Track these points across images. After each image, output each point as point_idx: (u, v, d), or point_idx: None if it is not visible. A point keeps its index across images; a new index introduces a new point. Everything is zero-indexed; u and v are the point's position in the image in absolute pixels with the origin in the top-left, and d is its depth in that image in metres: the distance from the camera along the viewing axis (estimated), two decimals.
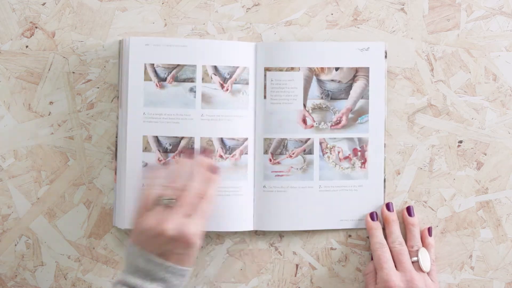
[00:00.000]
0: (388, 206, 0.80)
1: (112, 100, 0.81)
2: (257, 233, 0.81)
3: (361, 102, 0.79)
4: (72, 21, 0.81)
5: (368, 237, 0.80)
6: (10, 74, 0.81)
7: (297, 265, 0.81)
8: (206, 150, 0.78)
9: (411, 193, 0.82)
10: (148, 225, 0.68)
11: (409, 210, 0.80)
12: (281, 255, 0.81)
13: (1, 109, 0.81)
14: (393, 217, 0.80)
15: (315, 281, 0.81)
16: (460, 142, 0.82)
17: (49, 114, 0.81)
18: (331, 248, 0.81)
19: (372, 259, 0.79)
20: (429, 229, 0.80)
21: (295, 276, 0.81)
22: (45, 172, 0.81)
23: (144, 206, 0.70)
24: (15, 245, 0.80)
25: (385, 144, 0.80)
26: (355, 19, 0.82)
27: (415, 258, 0.77)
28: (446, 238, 0.82)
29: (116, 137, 0.80)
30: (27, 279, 0.80)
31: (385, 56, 0.80)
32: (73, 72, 0.81)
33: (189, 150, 0.78)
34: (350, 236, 0.80)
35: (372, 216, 0.80)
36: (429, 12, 0.82)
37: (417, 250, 0.78)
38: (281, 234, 0.81)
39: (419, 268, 0.77)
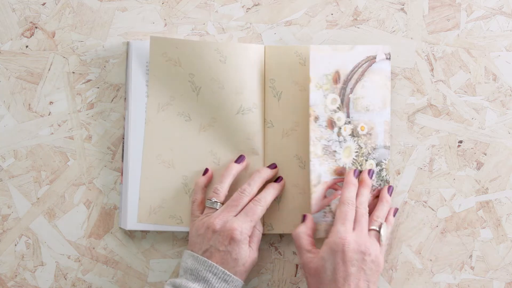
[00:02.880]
0: (369, 172, 0.78)
1: (112, 100, 0.81)
2: None
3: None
4: (72, 21, 0.81)
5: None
6: (10, 74, 0.81)
7: (297, 265, 0.81)
8: (272, 165, 0.79)
9: (411, 193, 0.81)
10: (197, 224, 0.74)
11: (390, 189, 0.79)
12: (281, 255, 0.81)
13: (1, 109, 0.81)
14: (370, 182, 0.77)
15: None
16: (460, 142, 0.82)
17: (49, 114, 0.81)
18: None
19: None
20: (395, 210, 0.79)
21: (295, 276, 0.81)
22: (45, 172, 0.81)
23: (193, 213, 0.77)
24: (15, 245, 0.81)
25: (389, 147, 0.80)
26: (355, 19, 0.82)
27: (375, 227, 0.75)
28: (446, 238, 0.81)
29: (123, 138, 0.80)
30: (27, 279, 0.80)
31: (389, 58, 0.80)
32: (73, 72, 0.81)
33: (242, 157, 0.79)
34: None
35: (355, 172, 0.77)
36: (429, 12, 0.82)
37: (381, 223, 0.75)
38: (281, 234, 0.81)
39: (376, 238, 0.74)
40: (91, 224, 0.81)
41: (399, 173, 0.81)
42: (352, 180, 0.76)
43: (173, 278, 0.72)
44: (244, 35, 0.81)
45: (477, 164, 0.82)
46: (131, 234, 0.81)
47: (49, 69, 0.81)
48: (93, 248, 0.81)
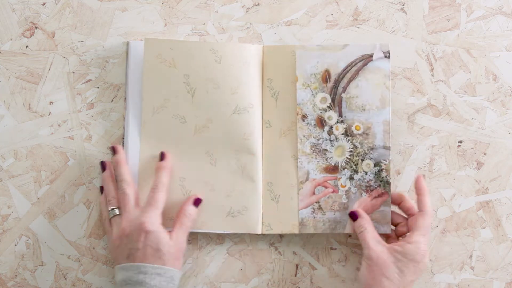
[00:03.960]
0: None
1: (112, 100, 0.81)
2: (257, 233, 0.81)
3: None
4: (72, 21, 0.81)
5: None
6: (10, 74, 0.81)
7: (297, 265, 0.81)
8: (114, 148, 0.78)
9: (411, 193, 0.81)
10: (111, 240, 0.74)
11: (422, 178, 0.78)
12: (281, 255, 0.81)
13: (1, 109, 0.81)
14: (425, 186, 0.77)
15: (315, 281, 0.81)
16: (460, 142, 0.82)
17: (49, 114, 0.81)
18: (331, 248, 0.81)
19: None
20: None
21: (295, 276, 0.81)
22: (45, 172, 0.81)
23: (106, 231, 0.77)
24: (15, 245, 0.80)
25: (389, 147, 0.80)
26: (355, 19, 0.82)
27: None
28: (446, 238, 0.81)
29: (123, 138, 0.80)
30: (27, 279, 0.80)
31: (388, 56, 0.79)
32: (73, 72, 0.81)
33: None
34: (350, 236, 0.80)
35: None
36: (429, 12, 0.82)
37: None
38: (281, 235, 0.81)
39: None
40: (91, 224, 0.81)
41: (399, 173, 0.81)
42: (424, 187, 0.76)
43: None
44: (244, 35, 0.81)
45: (477, 164, 0.82)
46: None
47: (49, 69, 0.81)
48: (93, 248, 0.81)
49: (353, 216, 0.77)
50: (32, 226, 0.81)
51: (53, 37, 0.81)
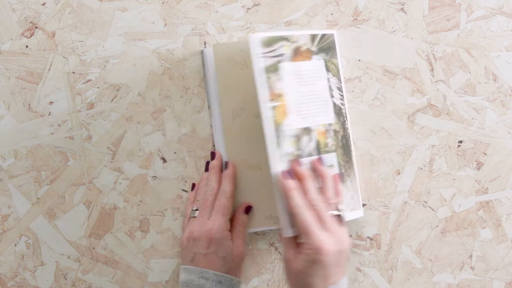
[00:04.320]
0: (297, 162, 0.71)
1: (112, 100, 0.81)
2: (257, 233, 0.81)
3: None
4: (72, 21, 0.81)
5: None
6: (10, 74, 0.81)
7: None
8: (213, 153, 0.79)
9: (411, 193, 0.81)
10: (181, 240, 0.76)
11: (319, 161, 0.72)
12: (281, 255, 0.81)
13: (1, 109, 0.81)
14: (306, 172, 0.70)
15: None
16: (460, 142, 0.82)
17: (49, 114, 0.81)
18: None
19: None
20: (339, 175, 0.74)
21: None
22: (45, 172, 0.81)
23: (183, 229, 0.79)
24: (15, 245, 0.80)
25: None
26: (355, 19, 0.82)
27: (335, 212, 0.69)
28: (446, 238, 0.81)
29: (213, 145, 0.80)
30: (27, 279, 0.80)
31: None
32: (73, 72, 0.81)
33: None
34: (350, 236, 0.80)
35: (285, 175, 0.69)
36: (429, 12, 0.82)
37: (336, 203, 0.70)
38: (281, 234, 0.80)
39: (339, 222, 0.69)
40: (91, 224, 0.81)
41: (399, 173, 0.81)
42: (286, 185, 0.69)
43: None
44: (244, 35, 0.81)
45: (477, 164, 0.82)
46: (131, 234, 0.81)
47: (49, 69, 0.81)
48: (93, 248, 0.81)
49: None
50: (32, 226, 0.81)
51: (53, 37, 0.81)
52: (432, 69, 0.82)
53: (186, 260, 0.74)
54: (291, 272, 0.68)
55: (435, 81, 0.82)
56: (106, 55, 0.81)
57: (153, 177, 0.81)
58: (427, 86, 0.82)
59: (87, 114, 0.81)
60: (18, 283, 0.80)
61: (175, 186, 0.81)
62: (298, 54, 0.74)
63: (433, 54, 0.82)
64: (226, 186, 0.77)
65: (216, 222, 0.73)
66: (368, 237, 0.81)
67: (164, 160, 0.81)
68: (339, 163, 0.75)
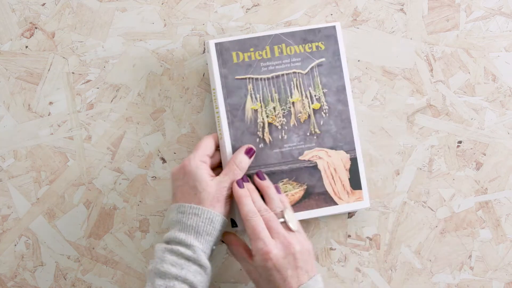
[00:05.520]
0: (258, 175, 0.77)
1: (112, 101, 0.81)
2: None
3: None
4: (71, 21, 0.81)
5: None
6: (10, 74, 0.81)
7: None
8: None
9: (410, 193, 0.82)
10: (172, 171, 0.75)
11: (258, 174, 0.77)
12: None
13: (1, 110, 0.81)
14: (251, 186, 0.75)
15: None
16: (460, 142, 0.82)
17: (48, 115, 0.81)
18: (331, 248, 0.81)
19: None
20: (276, 187, 0.76)
21: None
22: (44, 173, 0.81)
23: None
24: (15, 245, 0.81)
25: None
26: (355, 19, 0.82)
27: (282, 220, 0.72)
28: (446, 239, 0.82)
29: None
30: (27, 279, 0.81)
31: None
32: (73, 73, 0.81)
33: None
34: (349, 236, 0.81)
35: (239, 183, 0.74)
36: (429, 13, 0.82)
37: (281, 211, 0.73)
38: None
39: (288, 229, 0.72)
40: (91, 224, 0.81)
41: (398, 173, 0.82)
42: (240, 193, 0.73)
43: (163, 238, 0.72)
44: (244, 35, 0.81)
45: (476, 165, 0.82)
46: (130, 235, 0.81)
47: (48, 70, 0.81)
48: (93, 248, 0.81)
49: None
50: (32, 226, 0.81)
51: (53, 37, 0.81)
52: (432, 70, 0.82)
53: (178, 198, 0.73)
54: (255, 281, 0.72)
55: (434, 82, 0.82)
56: (105, 55, 0.81)
57: (153, 177, 0.81)
58: (427, 87, 0.82)
59: (86, 115, 0.81)
60: (18, 283, 0.81)
61: None
62: None
63: (433, 55, 0.82)
64: (243, 159, 0.75)
65: (190, 156, 0.73)
66: (367, 237, 0.81)
67: (164, 161, 0.81)
68: None
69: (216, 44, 0.77)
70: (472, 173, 0.82)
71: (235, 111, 0.78)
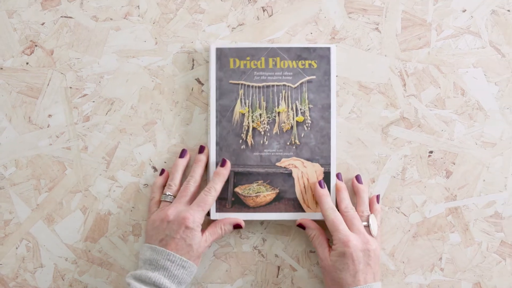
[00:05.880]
0: (338, 176, 0.81)
1: (106, 113, 0.82)
2: (241, 237, 0.82)
3: None
4: (69, 39, 0.82)
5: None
6: (12, 89, 0.82)
7: (278, 267, 0.82)
8: (202, 147, 0.81)
9: (385, 199, 0.82)
10: (152, 218, 0.76)
11: (358, 178, 0.81)
12: (264, 257, 0.82)
13: (3, 122, 0.81)
14: (343, 185, 0.80)
15: (296, 282, 0.82)
16: (431, 152, 0.83)
17: (48, 126, 0.82)
18: (310, 251, 0.82)
19: (306, 232, 0.80)
20: (377, 197, 0.81)
21: (277, 277, 0.82)
22: (44, 180, 0.81)
23: (150, 210, 0.79)
24: (16, 248, 0.81)
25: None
26: (333, 37, 0.83)
27: (365, 223, 0.77)
28: (418, 242, 0.82)
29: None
30: (28, 280, 0.81)
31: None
32: (70, 87, 0.82)
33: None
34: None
35: (320, 184, 0.79)
36: (402, 31, 0.83)
37: (367, 216, 0.78)
38: (264, 238, 0.82)
39: (368, 232, 0.77)
40: (87, 228, 0.81)
41: (373, 181, 0.82)
42: (321, 192, 0.78)
43: (133, 271, 0.74)
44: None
45: (446, 173, 0.83)
46: (124, 238, 0.82)
47: (48, 84, 0.82)
48: (89, 251, 0.81)
49: (301, 226, 0.80)
50: (32, 231, 0.81)
51: (52, 54, 0.82)
52: (405, 85, 0.83)
53: (153, 240, 0.74)
54: (325, 269, 0.76)
55: (407, 96, 0.83)
56: (101, 71, 0.82)
57: (145, 185, 0.82)
58: (400, 100, 0.83)
59: (83, 126, 0.82)
60: (19, 284, 0.81)
61: None
62: None
63: (406, 70, 0.83)
64: (217, 184, 0.78)
65: (194, 213, 0.74)
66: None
67: (155, 169, 0.82)
68: None
69: (217, 49, 0.80)
70: (442, 181, 0.82)
71: (224, 112, 0.80)
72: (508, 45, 0.83)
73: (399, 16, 0.83)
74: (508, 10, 0.84)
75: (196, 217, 0.75)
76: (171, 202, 0.78)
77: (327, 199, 0.78)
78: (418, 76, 0.83)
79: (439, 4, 0.84)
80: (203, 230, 0.77)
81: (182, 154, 0.81)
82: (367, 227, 0.77)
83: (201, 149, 0.81)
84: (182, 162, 0.80)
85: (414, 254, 0.82)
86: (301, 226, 0.80)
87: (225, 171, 0.79)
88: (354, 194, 0.81)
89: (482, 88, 0.83)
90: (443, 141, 0.83)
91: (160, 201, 0.79)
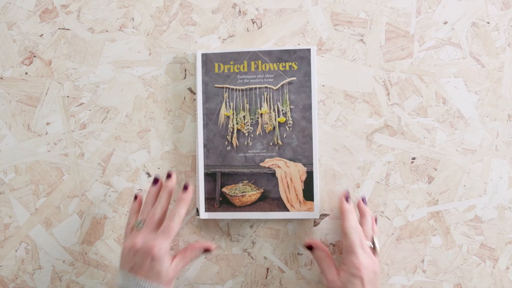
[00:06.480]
0: (363, 200, 0.80)
1: (102, 121, 0.83)
2: (231, 240, 0.83)
3: None
4: (66, 50, 0.83)
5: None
6: (11, 98, 0.83)
7: (267, 269, 0.83)
8: (169, 174, 0.78)
9: (369, 204, 0.83)
10: (124, 246, 0.74)
11: (364, 200, 0.81)
12: (253, 259, 0.83)
13: (3, 129, 0.83)
14: (368, 210, 0.79)
15: (284, 283, 0.83)
16: (413, 158, 0.84)
17: (46, 134, 0.83)
18: (298, 254, 0.83)
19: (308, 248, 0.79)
20: (375, 219, 0.82)
21: (266, 278, 0.83)
22: (42, 186, 0.83)
23: (125, 235, 0.76)
24: (16, 250, 0.83)
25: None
26: (320, 48, 0.84)
27: (370, 244, 0.77)
28: (401, 245, 0.83)
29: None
30: (27, 281, 0.82)
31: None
32: (68, 96, 0.83)
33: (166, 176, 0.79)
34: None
35: (347, 198, 0.78)
36: (386, 43, 0.84)
37: (372, 237, 0.78)
38: (253, 241, 0.83)
39: (373, 251, 0.77)
40: (84, 232, 0.82)
41: (358, 186, 0.83)
42: (347, 207, 0.77)
43: None
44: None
45: (428, 179, 0.84)
46: (119, 241, 0.83)
47: (46, 94, 0.83)
48: (85, 253, 0.83)
49: (309, 247, 0.79)
50: (31, 234, 0.83)
51: (50, 65, 0.83)
52: (388, 94, 0.84)
53: (125, 266, 0.72)
54: None
55: (391, 104, 0.84)
56: (97, 81, 0.83)
57: (139, 190, 0.83)
58: (384, 109, 0.84)
59: (80, 134, 0.83)
60: (19, 285, 0.82)
61: None
62: None
63: (389, 80, 0.84)
64: (181, 209, 0.75)
65: (160, 242, 0.72)
66: (331, 243, 0.83)
67: (149, 175, 0.84)
68: None
69: (203, 55, 0.82)
70: (424, 186, 0.83)
71: (210, 115, 0.82)
72: (487, 56, 0.84)
73: (383, 28, 0.84)
74: (488, 22, 0.85)
75: (162, 246, 0.72)
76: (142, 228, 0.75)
77: (352, 216, 0.77)
78: (401, 86, 0.84)
79: (422, 16, 0.85)
80: (174, 255, 0.76)
81: (155, 181, 0.78)
82: (371, 248, 0.77)
83: (168, 176, 0.78)
84: (154, 189, 0.78)
85: (397, 256, 0.83)
86: (309, 246, 0.79)
87: (188, 196, 0.76)
88: (358, 214, 0.82)
89: (463, 97, 0.84)
90: (425, 148, 0.84)
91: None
